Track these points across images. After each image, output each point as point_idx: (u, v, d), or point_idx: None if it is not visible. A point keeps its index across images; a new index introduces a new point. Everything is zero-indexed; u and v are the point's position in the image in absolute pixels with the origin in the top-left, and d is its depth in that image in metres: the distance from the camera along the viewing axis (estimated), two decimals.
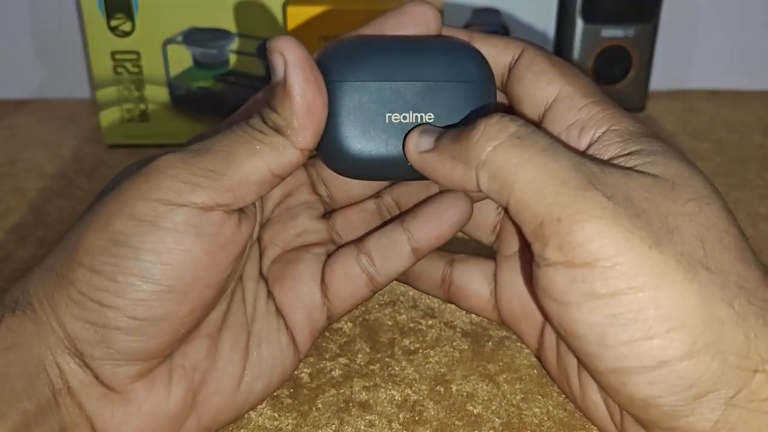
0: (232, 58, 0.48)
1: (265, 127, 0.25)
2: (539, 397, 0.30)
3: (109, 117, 0.50)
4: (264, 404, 0.30)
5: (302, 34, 0.43)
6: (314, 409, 0.30)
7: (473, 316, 0.35)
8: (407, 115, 0.27)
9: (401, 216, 0.30)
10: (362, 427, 0.29)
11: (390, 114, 0.27)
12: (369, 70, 0.27)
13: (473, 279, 0.32)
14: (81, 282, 0.24)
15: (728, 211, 0.24)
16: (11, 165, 0.48)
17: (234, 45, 0.48)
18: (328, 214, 0.32)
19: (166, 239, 0.24)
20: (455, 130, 0.26)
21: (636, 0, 0.52)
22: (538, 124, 0.28)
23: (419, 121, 0.27)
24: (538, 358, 0.31)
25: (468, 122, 0.26)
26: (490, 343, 0.33)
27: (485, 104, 0.28)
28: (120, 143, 0.51)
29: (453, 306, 0.35)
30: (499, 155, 0.24)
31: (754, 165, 0.50)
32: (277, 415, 0.29)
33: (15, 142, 0.51)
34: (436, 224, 0.29)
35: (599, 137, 0.26)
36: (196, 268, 0.24)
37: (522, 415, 0.29)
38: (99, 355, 0.24)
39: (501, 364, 0.32)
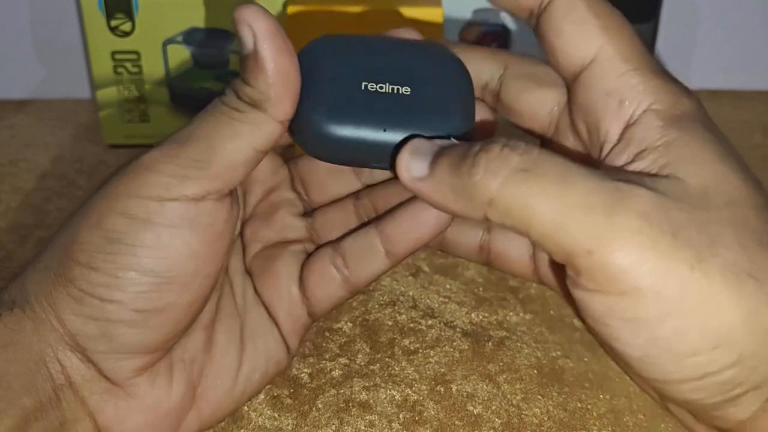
0: (232, 58, 0.48)
1: (240, 103, 0.25)
2: (539, 397, 0.30)
3: (109, 117, 0.50)
4: (264, 404, 0.30)
5: (302, 34, 0.43)
6: (314, 409, 0.30)
7: (473, 315, 0.35)
8: (384, 85, 0.26)
9: (379, 218, 0.29)
10: (362, 428, 0.29)
11: (366, 83, 0.26)
12: (343, 46, 0.27)
13: (512, 244, 0.31)
14: (79, 279, 0.24)
15: (764, 208, 0.23)
16: (11, 165, 0.48)
17: (234, 45, 0.48)
18: (310, 212, 0.32)
19: (162, 235, 0.24)
20: (450, 154, 0.24)
21: (636, 0, 0.52)
22: (541, 136, 0.28)
23: (395, 92, 0.26)
24: (581, 319, 0.31)
25: (447, 106, 0.26)
26: (490, 343, 0.33)
27: (465, 88, 0.27)
28: (120, 143, 0.51)
29: (453, 306, 0.35)
30: (508, 193, 0.22)
31: (754, 165, 0.50)
32: (277, 415, 0.29)
33: (15, 142, 0.51)
34: (411, 227, 0.28)
35: (638, 118, 0.24)
36: (196, 260, 0.25)
37: (522, 416, 0.29)
38: (102, 349, 0.24)
39: (501, 364, 0.32)
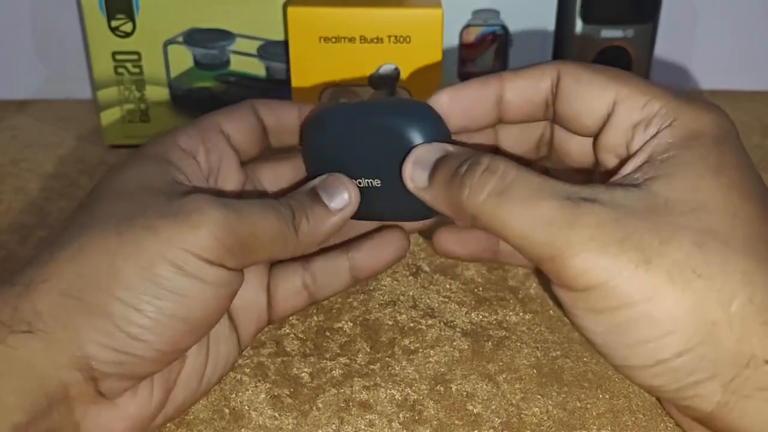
0: (233, 59, 0.48)
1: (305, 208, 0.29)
2: (539, 396, 0.30)
3: (109, 117, 0.50)
4: (264, 404, 0.30)
5: (302, 34, 0.43)
6: (314, 408, 0.30)
7: (473, 315, 0.35)
8: (361, 180, 0.31)
9: (346, 243, 0.34)
10: (362, 427, 0.29)
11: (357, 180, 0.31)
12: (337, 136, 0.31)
13: None
14: (118, 316, 0.25)
15: (735, 215, 0.25)
16: (13, 165, 0.48)
17: (234, 45, 0.48)
18: None
19: (201, 289, 0.26)
20: (445, 169, 0.28)
21: (636, 0, 0.52)
22: (527, 161, 0.31)
23: (372, 185, 0.31)
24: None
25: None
26: (489, 343, 0.33)
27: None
28: (121, 143, 0.51)
29: (453, 306, 0.35)
30: (486, 210, 0.26)
31: None
32: (277, 415, 0.29)
33: (16, 143, 0.51)
34: (375, 258, 0.34)
35: (657, 133, 0.27)
36: (218, 312, 0.28)
37: (522, 415, 0.29)
38: (111, 371, 0.26)
39: (501, 363, 0.32)
